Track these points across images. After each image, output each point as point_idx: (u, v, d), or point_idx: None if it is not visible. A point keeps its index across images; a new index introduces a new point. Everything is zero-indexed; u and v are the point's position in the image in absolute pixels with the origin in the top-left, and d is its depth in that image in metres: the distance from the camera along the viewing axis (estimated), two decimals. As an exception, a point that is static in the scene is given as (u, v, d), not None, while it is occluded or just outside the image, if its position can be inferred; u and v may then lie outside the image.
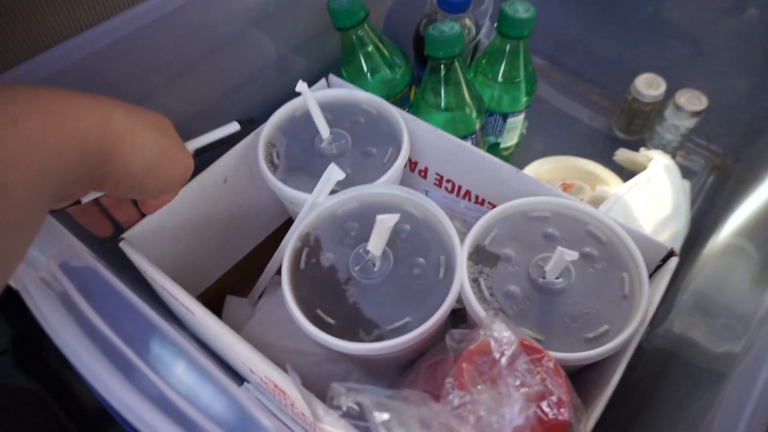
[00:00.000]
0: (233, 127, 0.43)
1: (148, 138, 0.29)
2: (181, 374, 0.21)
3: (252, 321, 0.54)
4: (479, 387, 0.28)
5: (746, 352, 0.32)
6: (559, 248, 0.33)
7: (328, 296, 0.36)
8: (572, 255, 0.32)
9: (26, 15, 0.36)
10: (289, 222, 0.58)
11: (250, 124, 0.45)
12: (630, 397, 0.41)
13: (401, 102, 0.55)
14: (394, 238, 0.38)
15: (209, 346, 0.45)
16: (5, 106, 0.20)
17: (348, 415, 0.25)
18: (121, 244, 0.41)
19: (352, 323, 0.35)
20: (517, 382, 0.29)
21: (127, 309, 0.24)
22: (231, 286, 0.56)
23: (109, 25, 0.39)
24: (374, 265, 0.37)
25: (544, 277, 0.37)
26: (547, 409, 0.28)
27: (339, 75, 0.53)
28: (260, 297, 0.55)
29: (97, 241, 0.44)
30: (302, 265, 0.38)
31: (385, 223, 0.31)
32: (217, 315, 0.39)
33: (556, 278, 0.36)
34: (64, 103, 0.22)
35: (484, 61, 0.53)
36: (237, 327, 0.53)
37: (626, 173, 0.67)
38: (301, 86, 0.42)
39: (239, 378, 0.45)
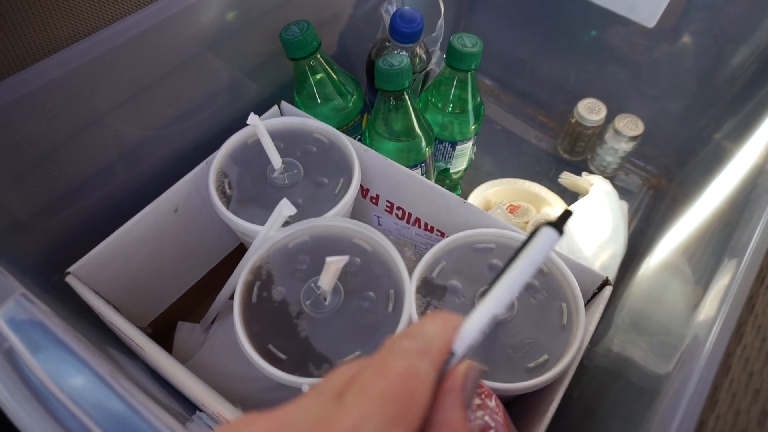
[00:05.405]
0: None
1: None
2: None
3: (204, 348, 0.53)
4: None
5: (678, 371, 0.34)
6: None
7: (280, 331, 0.37)
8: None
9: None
10: (241, 246, 0.58)
11: None
12: (573, 412, 0.44)
13: (354, 129, 0.56)
14: (345, 271, 0.39)
15: (162, 375, 0.45)
16: None
17: None
18: (68, 279, 0.40)
19: (303, 358, 0.36)
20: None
21: (74, 362, 0.24)
22: (184, 311, 0.55)
23: (62, 57, 0.38)
24: (325, 299, 0.38)
25: (488, 308, 0.38)
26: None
27: (292, 100, 0.54)
28: (213, 322, 0.54)
29: (45, 274, 0.43)
30: (254, 299, 0.38)
31: (334, 265, 0.32)
32: (171, 340, 0.38)
33: (500, 309, 0.38)
34: None
35: (433, 90, 0.55)
36: (189, 353, 0.53)
37: (570, 194, 0.70)
38: (252, 119, 0.42)
39: (192, 407, 0.45)
